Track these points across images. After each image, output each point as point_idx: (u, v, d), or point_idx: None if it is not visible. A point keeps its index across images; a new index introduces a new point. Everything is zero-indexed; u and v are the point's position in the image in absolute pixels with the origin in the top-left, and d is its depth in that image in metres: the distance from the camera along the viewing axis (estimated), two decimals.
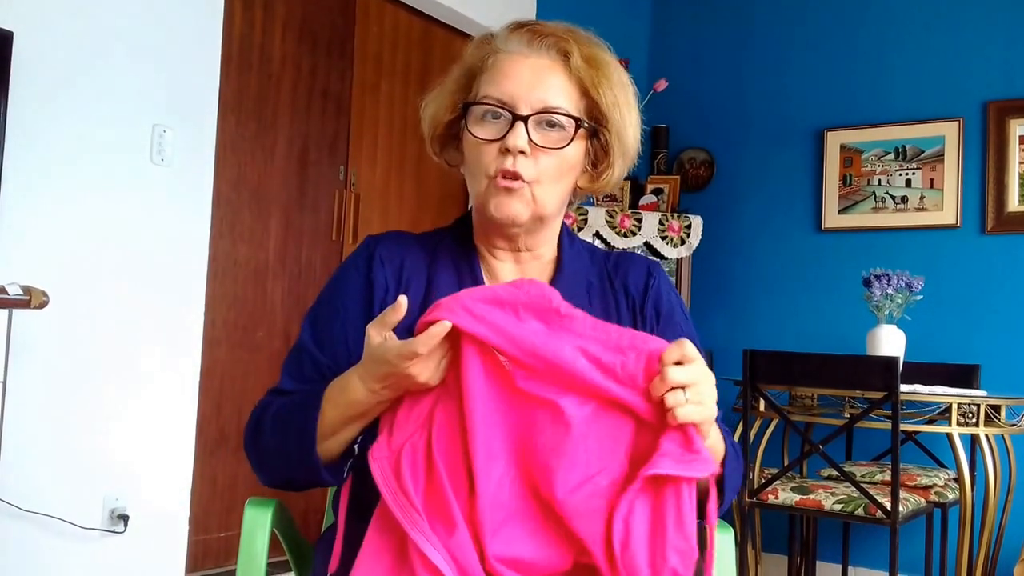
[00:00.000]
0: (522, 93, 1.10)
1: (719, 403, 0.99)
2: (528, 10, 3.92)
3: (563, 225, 1.24)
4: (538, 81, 1.10)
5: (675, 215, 3.99)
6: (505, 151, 1.09)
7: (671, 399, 0.93)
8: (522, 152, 1.09)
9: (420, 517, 0.93)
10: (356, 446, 1.10)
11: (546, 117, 1.10)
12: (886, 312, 3.22)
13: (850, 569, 3.72)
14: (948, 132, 3.88)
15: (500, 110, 1.10)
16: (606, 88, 1.13)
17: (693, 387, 0.94)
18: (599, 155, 1.17)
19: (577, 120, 1.12)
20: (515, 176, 1.10)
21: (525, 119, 1.09)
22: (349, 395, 1.03)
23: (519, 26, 1.15)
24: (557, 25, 1.15)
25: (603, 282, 1.21)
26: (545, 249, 1.21)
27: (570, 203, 1.23)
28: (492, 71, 1.12)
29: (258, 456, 1.14)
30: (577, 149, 1.14)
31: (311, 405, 1.06)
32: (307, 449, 1.05)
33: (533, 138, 1.10)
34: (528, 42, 1.12)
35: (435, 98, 1.21)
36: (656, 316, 1.20)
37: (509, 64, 1.12)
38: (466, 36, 3.75)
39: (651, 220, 3.94)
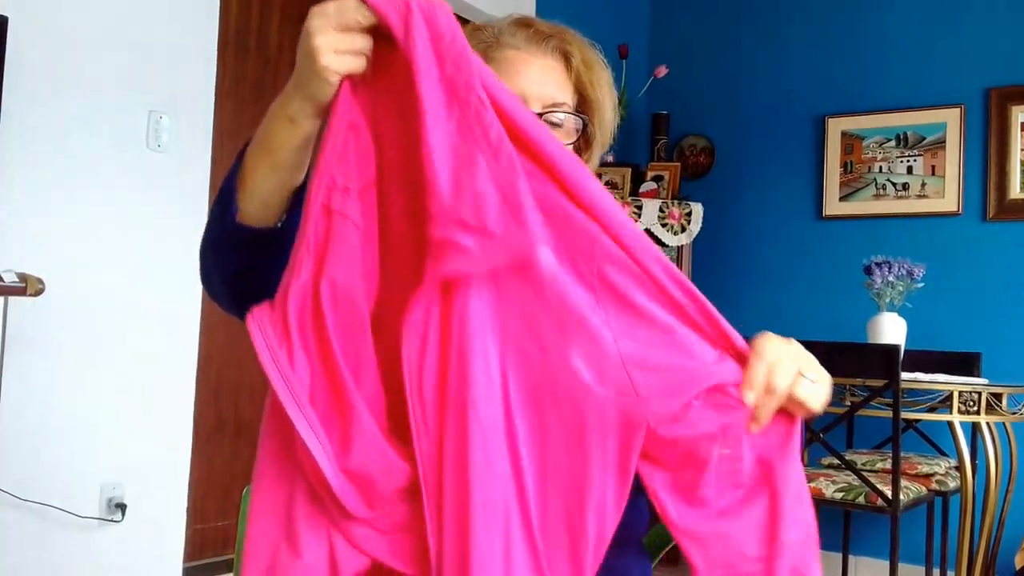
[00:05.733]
0: (533, 91, 1.16)
1: None
2: None
3: None
4: (546, 80, 1.18)
5: (675, 202, 3.97)
6: None
7: (801, 391, 0.91)
8: None
9: (297, 386, 0.75)
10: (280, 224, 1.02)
11: (552, 117, 1.17)
12: (887, 300, 3.20)
13: (851, 558, 3.72)
14: (950, 119, 3.86)
15: None
16: (597, 87, 1.22)
17: (805, 364, 0.93)
18: (582, 145, 1.26)
19: (584, 119, 1.21)
20: None
21: (539, 116, 1.15)
22: (267, 121, 0.95)
23: (521, 23, 1.21)
24: (553, 26, 1.22)
25: None
26: None
27: None
28: (500, 64, 1.18)
29: (203, 254, 1.09)
30: None
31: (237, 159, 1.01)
32: (228, 198, 1.01)
33: None
34: (535, 42, 1.19)
35: None
36: None
37: (518, 61, 1.18)
38: (466, 23, 3.71)
39: (651, 207, 3.92)
